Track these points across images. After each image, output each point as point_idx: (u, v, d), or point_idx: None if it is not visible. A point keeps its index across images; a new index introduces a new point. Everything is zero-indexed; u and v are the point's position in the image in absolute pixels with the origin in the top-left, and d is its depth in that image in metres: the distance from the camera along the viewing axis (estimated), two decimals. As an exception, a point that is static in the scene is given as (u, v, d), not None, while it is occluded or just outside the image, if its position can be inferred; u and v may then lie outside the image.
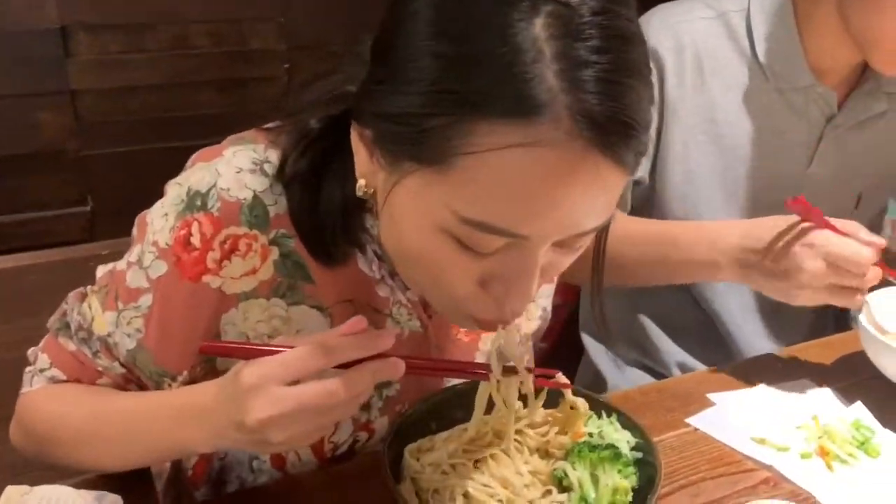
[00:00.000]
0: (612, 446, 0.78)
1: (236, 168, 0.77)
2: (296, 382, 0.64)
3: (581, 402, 0.83)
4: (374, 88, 0.65)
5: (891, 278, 1.02)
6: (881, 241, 0.96)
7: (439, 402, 0.87)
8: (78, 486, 0.82)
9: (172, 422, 0.74)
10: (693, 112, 1.20)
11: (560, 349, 1.57)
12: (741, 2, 1.21)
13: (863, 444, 0.91)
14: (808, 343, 1.16)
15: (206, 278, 0.78)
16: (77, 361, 0.84)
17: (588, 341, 1.43)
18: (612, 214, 0.66)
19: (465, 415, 0.86)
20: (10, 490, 0.82)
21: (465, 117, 0.58)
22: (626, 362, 1.40)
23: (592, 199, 0.62)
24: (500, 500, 0.74)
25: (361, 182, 0.73)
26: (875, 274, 0.97)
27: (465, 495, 0.75)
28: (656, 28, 1.20)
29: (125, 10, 1.54)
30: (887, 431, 0.94)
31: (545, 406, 0.85)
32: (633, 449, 0.81)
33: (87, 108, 1.53)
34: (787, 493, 0.85)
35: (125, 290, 0.80)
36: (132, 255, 0.81)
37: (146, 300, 0.79)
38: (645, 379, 1.36)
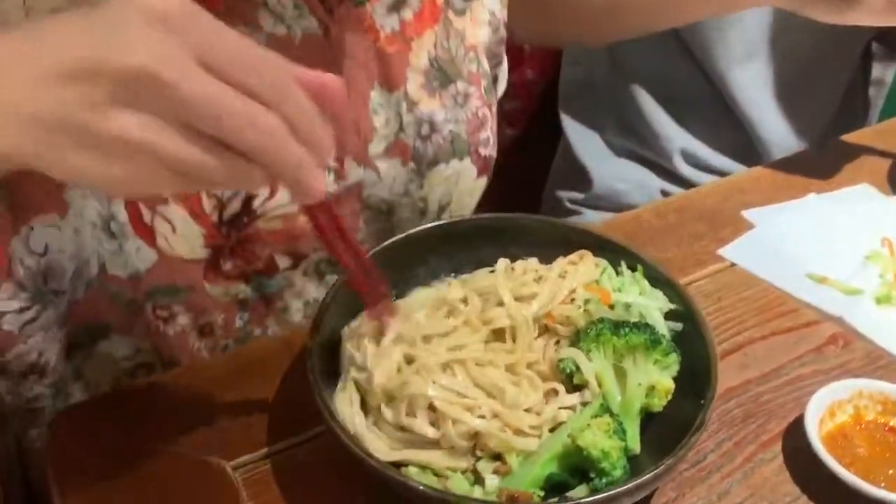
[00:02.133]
0: (645, 326, 0.53)
1: None
2: None
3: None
4: None
5: None
6: None
7: (392, 250, 0.61)
8: None
9: None
10: None
11: (532, 133, 1.31)
12: None
13: (956, 277, 0.68)
14: (862, 131, 0.90)
15: None
16: None
17: (568, 124, 1.17)
18: None
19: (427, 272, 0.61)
20: None
21: None
22: (616, 151, 1.15)
23: None
24: (482, 416, 0.50)
25: None
26: None
27: (431, 407, 0.51)
28: None
29: None
30: (982, 257, 0.71)
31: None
32: (667, 318, 0.57)
33: None
34: (864, 358, 0.63)
35: None
36: None
37: None
38: (640, 173, 1.11)
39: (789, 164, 0.85)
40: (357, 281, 0.52)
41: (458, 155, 0.70)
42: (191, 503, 0.53)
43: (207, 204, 0.61)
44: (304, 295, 0.70)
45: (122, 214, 0.59)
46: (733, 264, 0.71)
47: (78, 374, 0.68)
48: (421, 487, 0.46)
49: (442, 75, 0.69)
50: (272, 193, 0.62)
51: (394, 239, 0.62)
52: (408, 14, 0.67)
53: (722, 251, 0.72)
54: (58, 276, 0.61)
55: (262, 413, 0.58)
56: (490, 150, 0.73)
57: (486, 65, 0.74)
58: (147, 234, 0.60)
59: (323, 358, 0.54)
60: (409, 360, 0.52)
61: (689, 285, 0.68)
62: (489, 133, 0.73)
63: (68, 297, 0.63)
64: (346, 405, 0.52)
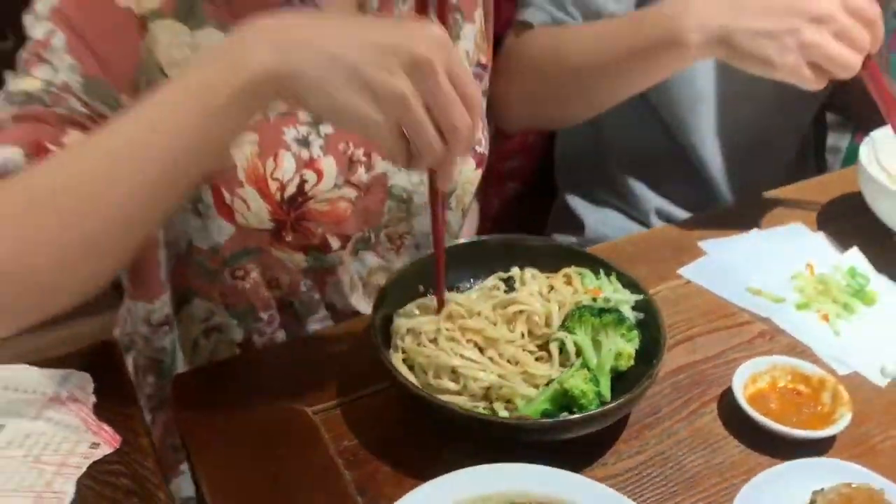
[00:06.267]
0: (615, 310, 0.74)
1: None
2: None
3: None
4: None
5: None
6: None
7: (429, 262, 0.81)
8: (40, 365, 0.77)
9: (206, 66, 0.63)
10: None
11: (533, 187, 1.52)
12: None
13: (858, 292, 0.89)
14: (801, 184, 1.12)
15: None
16: (29, 121, 0.70)
17: (563, 185, 1.38)
18: None
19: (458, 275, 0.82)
20: (-34, 371, 0.77)
21: None
22: (603, 206, 1.36)
23: None
24: (492, 374, 0.71)
25: None
26: (881, 35, 0.88)
27: (452, 371, 0.71)
28: None
29: None
30: (882, 278, 0.92)
31: (543, 270, 0.81)
32: (633, 309, 0.78)
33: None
34: (784, 347, 0.83)
35: (34, 45, 0.72)
36: (30, 18, 0.74)
37: (58, 39, 0.72)
38: (624, 222, 1.31)
39: (739, 208, 1.06)
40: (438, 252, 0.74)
41: None
42: (283, 439, 0.72)
43: (272, 185, 0.80)
44: (349, 271, 0.91)
45: (208, 197, 0.80)
46: (689, 281, 0.92)
47: None
48: (469, 413, 0.67)
49: None
50: (319, 178, 0.82)
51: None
52: None
53: (680, 270, 0.93)
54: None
55: (332, 373, 0.78)
56: (483, 149, 0.95)
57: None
58: (227, 212, 0.81)
59: (382, 329, 0.74)
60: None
61: (655, 294, 0.87)
62: (482, 136, 0.95)
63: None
64: (399, 363, 0.72)
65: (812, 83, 0.87)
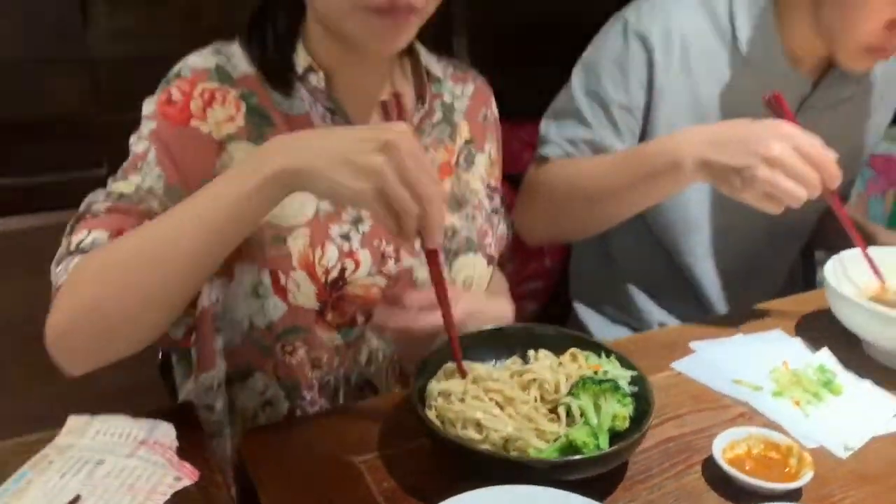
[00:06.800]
0: (612, 381, 0.89)
1: (199, 53, 1.01)
2: None
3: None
4: None
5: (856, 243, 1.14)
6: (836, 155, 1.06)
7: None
8: (135, 416, 0.93)
9: (240, 165, 0.86)
10: (679, 93, 1.30)
11: (551, 306, 1.69)
12: None
13: (827, 384, 1.03)
14: (783, 299, 1.28)
15: (194, 122, 0.97)
16: (118, 214, 0.93)
17: (577, 304, 1.55)
18: None
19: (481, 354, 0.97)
20: (73, 420, 0.93)
21: None
22: (612, 320, 1.52)
23: None
24: (510, 427, 0.85)
25: None
26: (835, 175, 1.05)
27: (477, 423, 0.85)
28: (646, 14, 1.30)
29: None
30: (849, 374, 1.07)
31: (554, 352, 0.97)
32: (629, 384, 0.92)
33: (104, 77, 1.61)
34: (760, 424, 0.96)
35: (134, 157, 0.97)
36: (134, 137, 0.98)
37: (152, 154, 0.96)
38: (628, 333, 1.47)
39: (726, 317, 1.22)
40: (448, 321, 0.89)
41: (472, 250, 1.11)
42: (334, 483, 0.86)
43: (319, 270, 0.99)
44: (370, 345, 1.06)
45: (267, 279, 0.99)
46: (680, 373, 1.07)
47: (232, 404, 1.05)
48: (488, 453, 0.81)
49: (456, 203, 1.12)
50: (356, 266, 1.01)
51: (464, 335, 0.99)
52: (433, 170, 1.08)
53: (673, 364, 1.08)
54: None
55: (373, 432, 0.92)
56: (492, 251, 1.15)
57: (485, 202, 1.16)
58: (281, 292, 1.00)
59: (419, 393, 0.89)
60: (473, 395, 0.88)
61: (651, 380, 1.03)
62: (491, 240, 1.15)
63: (227, 345, 1.03)
64: (433, 418, 0.87)
65: (771, 209, 1.06)
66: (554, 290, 1.69)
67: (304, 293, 1.00)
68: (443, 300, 0.90)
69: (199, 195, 0.85)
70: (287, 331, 1.02)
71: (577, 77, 1.34)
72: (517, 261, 1.64)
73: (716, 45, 1.30)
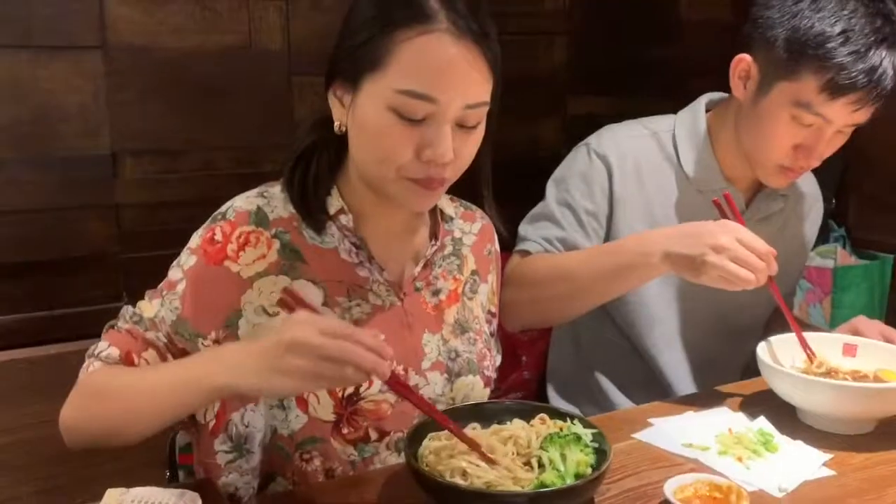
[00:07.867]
0: (575, 433, 1.05)
1: (247, 195, 1.16)
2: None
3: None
4: (336, 51, 1.10)
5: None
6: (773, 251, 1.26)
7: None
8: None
9: (199, 360, 1.03)
10: (635, 205, 1.53)
11: (543, 378, 1.81)
12: (669, 124, 1.59)
13: (765, 443, 1.19)
14: (730, 384, 1.46)
15: (226, 263, 1.10)
16: (130, 336, 1.11)
17: (553, 392, 1.70)
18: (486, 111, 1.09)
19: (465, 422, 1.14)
20: (111, 492, 1.07)
21: (387, 29, 1.02)
22: (585, 413, 1.67)
23: (469, 73, 1.03)
24: (490, 475, 1.00)
25: (338, 124, 1.12)
26: (773, 263, 1.25)
27: (463, 472, 1.01)
28: (606, 140, 1.56)
29: (163, 138, 1.88)
30: (784, 437, 1.23)
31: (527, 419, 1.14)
32: (591, 441, 1.08)
33: (128, 220, 1.83)
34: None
35: (168, 283, 1.13)
36: (176, 263, 1.13)
37: (182, 286, 1.11)
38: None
39: (682, 398, 1.39)
40: (429, 412, 1.05)
41: (472, 372, 1.25)
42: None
43: (337, 388, 1.14)
44: (386, 462, 1.20)
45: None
46: (640, 441, 1.23)
47: None
48: (471, 489, 0.96)
49: (460, 328, 1.27)
50: (370, 384, 1.15)
51: (449, 408, 1.15)
52: (443, 297, 1.26)
53: (633, 434, 1.24)
54: (250, 441, 1.15)
55: (374, 493, 1.07)
56: (490, 373, 1.30)
57: (485, 327, 1.33)
58: (303, 405, 1.14)
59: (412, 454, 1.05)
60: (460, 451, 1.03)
61: (612, 448, 1.18)
62: (489, 363, 1.30)
63: (258, 456, 1.16)
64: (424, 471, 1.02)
65: (727, 288, 1.25)
66: (532, 398, 1.83)
67: (323, 406, 1.12)
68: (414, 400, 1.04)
69: (171, 370, 1.05)
70: (305, 440, 1.14)
71: (550, 190, 1.57)
72: (502, 372, 1.80)
73: (664, 166, 1.55)
